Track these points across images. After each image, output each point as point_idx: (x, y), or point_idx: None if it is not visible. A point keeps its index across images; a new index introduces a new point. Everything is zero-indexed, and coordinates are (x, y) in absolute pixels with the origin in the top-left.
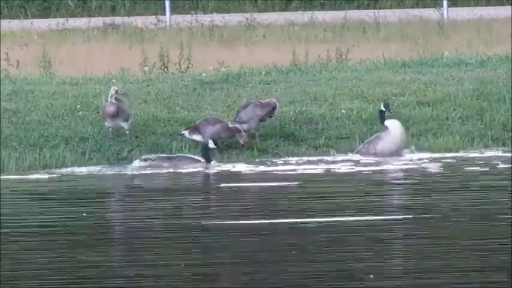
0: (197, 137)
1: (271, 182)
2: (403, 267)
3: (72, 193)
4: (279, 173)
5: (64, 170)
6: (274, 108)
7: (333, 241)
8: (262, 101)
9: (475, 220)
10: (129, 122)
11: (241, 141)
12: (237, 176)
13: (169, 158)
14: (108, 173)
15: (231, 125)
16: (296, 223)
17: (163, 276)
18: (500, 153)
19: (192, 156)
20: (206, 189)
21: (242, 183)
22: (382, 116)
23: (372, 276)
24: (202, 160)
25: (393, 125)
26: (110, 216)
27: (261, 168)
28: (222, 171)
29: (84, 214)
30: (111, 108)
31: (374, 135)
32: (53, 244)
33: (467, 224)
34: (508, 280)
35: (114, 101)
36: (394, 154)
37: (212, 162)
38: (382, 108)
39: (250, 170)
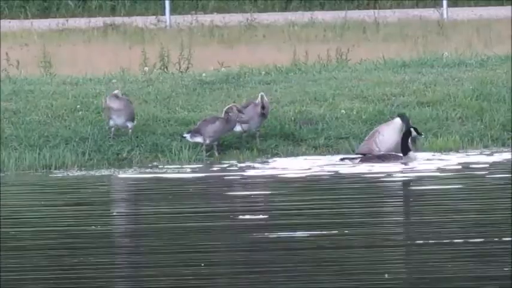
0: (199, 139)
1: None
2: None
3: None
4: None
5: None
6: (263, 105)
7: None
8: (256, 101)
9: None
10: (134, 122)
11: (234, 115)
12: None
13: (379, 157)
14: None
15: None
16: None
17: None
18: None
19: (395, 153)
20: None
21: None
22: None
23: (386, 275)
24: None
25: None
26: None
27: None
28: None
29: None
30: (118, 102)
31: (371, 132)
32: None
33: None
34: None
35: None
36: (398, 150)
37: (410, 153)
38: (414, 133)
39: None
